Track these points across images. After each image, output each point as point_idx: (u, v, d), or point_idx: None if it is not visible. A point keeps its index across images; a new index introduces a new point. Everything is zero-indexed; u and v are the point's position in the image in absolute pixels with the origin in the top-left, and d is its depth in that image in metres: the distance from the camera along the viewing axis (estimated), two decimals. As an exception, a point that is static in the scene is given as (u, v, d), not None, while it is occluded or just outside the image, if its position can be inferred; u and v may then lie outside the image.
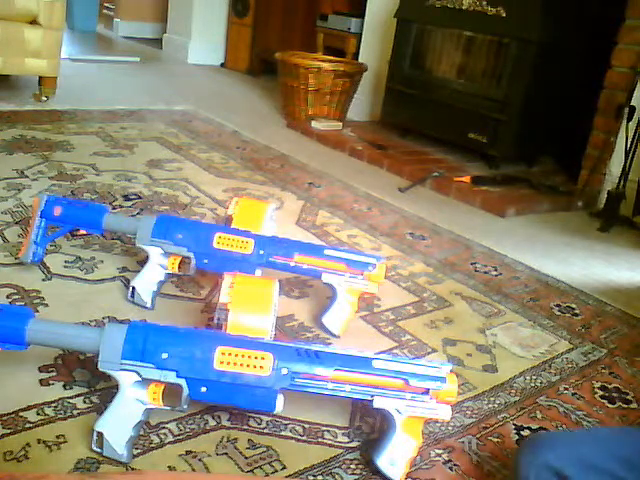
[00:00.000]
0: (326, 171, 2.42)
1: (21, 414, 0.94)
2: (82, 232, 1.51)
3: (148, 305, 1.26)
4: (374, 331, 1.32)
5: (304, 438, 0.98)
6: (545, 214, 2.29)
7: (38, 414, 0.94)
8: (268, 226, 1.40)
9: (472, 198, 2.29)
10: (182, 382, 0.87)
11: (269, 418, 1.00)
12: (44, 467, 0.85)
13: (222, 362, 0.87)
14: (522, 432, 1.06)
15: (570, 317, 1.51)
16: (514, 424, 1.08)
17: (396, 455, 0.90)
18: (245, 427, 0.98)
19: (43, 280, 1.33)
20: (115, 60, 4.39)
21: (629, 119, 2.21)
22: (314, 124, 3.02)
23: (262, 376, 0.87)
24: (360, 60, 3.39)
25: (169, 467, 0.88)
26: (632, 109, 2.21)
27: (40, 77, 2.82)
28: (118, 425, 0.87)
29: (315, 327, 1.30)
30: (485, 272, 1.69)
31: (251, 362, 0.87)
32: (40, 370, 1.04)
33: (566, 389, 1.20)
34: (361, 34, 3.46)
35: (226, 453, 0.92)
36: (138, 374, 0.87)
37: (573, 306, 1.56)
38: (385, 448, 0.91)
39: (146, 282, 1.26)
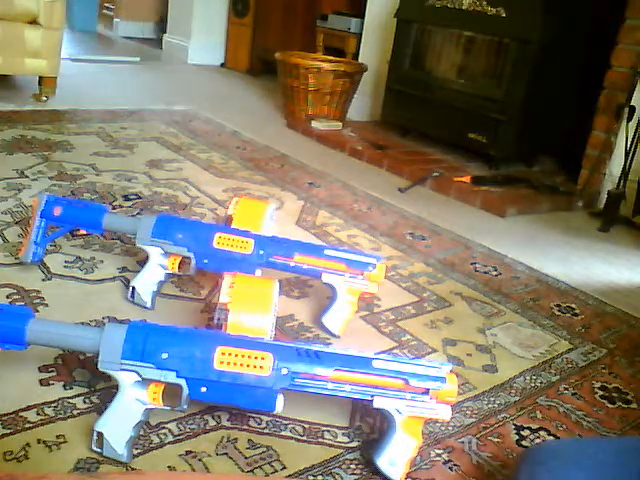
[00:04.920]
0: (326, 171, 2.42)
1: (21, 414, 0.94)
2: (82, 232, 1.51)
3: (148, 305, 1.26)
4: (374, 331, 1.32)
5: (304, 438, 0.98)
6: (545, 214, 2.29)
7: (38, 414, 0.94)
8: (268, 226, 1.40)
9: (472, 198, 2.29)
10: (182, 382, 0.87)
11: (269, 418, 1.00)
12: (44, 467, 0.85)
13: (222, 362, 0.87)
14: (522, 432, 1.06)
15: (570, 317, 1.51)
16: (514, 424, 1.08)
17: (396, 455, 0.90)
18: (245, 427, 0.98)
19: (43, 280, 1.33)
20: (115, 60, 4.39)
21: (629, 119, 2.22)
22: (314, 124, 3.02)
23: (262, 376, 0.87)
24: (360, 60, 3.39)
25: (169, 467, 0.88)
26: (632, 109, 2.21)
27: (40, 77, 2.82)
28: (118, 425, 0.87)
29: (315, 327, 1.30)
30: (485, 272, 1.69)
31: (251, 362, 0.87)
32: (40, 370, 1.04)
33: (566, 389, 1.20)
34: (361, 34, 3.46)
35: (226, 453, 0.92)
36: (138, 374, 0.87)
37: (573, 306, 1.56)
38: (385, 448, 0.91)
39: (146, 282, 1.26)
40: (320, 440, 0.98)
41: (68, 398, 0.98)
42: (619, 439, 1.08)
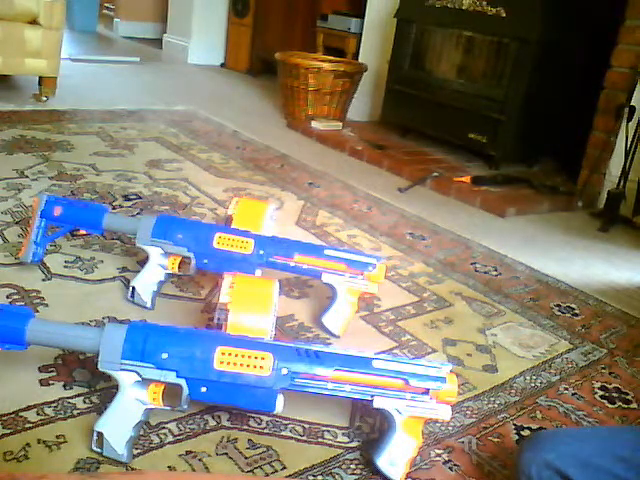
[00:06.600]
0: (326, 171, 2.42)
1: (21, 414, 0.94)
2: (82, 232, 1.51)
3: (148, 305, 1.26)
4: (374, 331, 1.32)
5: (304, 438, 0.98)
6: (545, 214, 2.29)
7: (38, 414, 0.94)
8: (268, 226, 1.40)
9: (472, 198, 2.29)
10: (182, 382, 0.87)
11: (269, 418, 1.00)
12: (44, 467, 0.85)
13: (222, 362, 0.87)
14: (522, 432, 1.06)
15: (570, 317, 1.51)
16: (514, 424, 1.08)
17: (396, 455, 0.90)
18: (245, 427, 0.98)
19: (43, 280, 1.32)
20: (115, 60, 4.39)
21: (629, 119, 2.21)
22: (314, 124, 3.02)
23: (262, 376, 0.87)
24: (360, 60, 3.39)
25: (169, 467, 0.88)
26: (632, 109, 2.21)
27: (40, 77, 2.82)
28: (118, 425, 0.87)
29: (315, 327, 1.30)
30: (485, 272, 1.69)
31: (251, 362, 0.87)
32: (40, 370, 1.04)
33: (566, 389, 1.20)
34: (361, 34, 3.46)
35: (226, 453, 0.92)
36: (138, 374, 0.87)
37: (573, 306, 1.56)
38: (385, 448, 0.91)
39: (146, 282, 1.26)
40: (320, 440, 0.98)
41: (68, 398, 0.98)
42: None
